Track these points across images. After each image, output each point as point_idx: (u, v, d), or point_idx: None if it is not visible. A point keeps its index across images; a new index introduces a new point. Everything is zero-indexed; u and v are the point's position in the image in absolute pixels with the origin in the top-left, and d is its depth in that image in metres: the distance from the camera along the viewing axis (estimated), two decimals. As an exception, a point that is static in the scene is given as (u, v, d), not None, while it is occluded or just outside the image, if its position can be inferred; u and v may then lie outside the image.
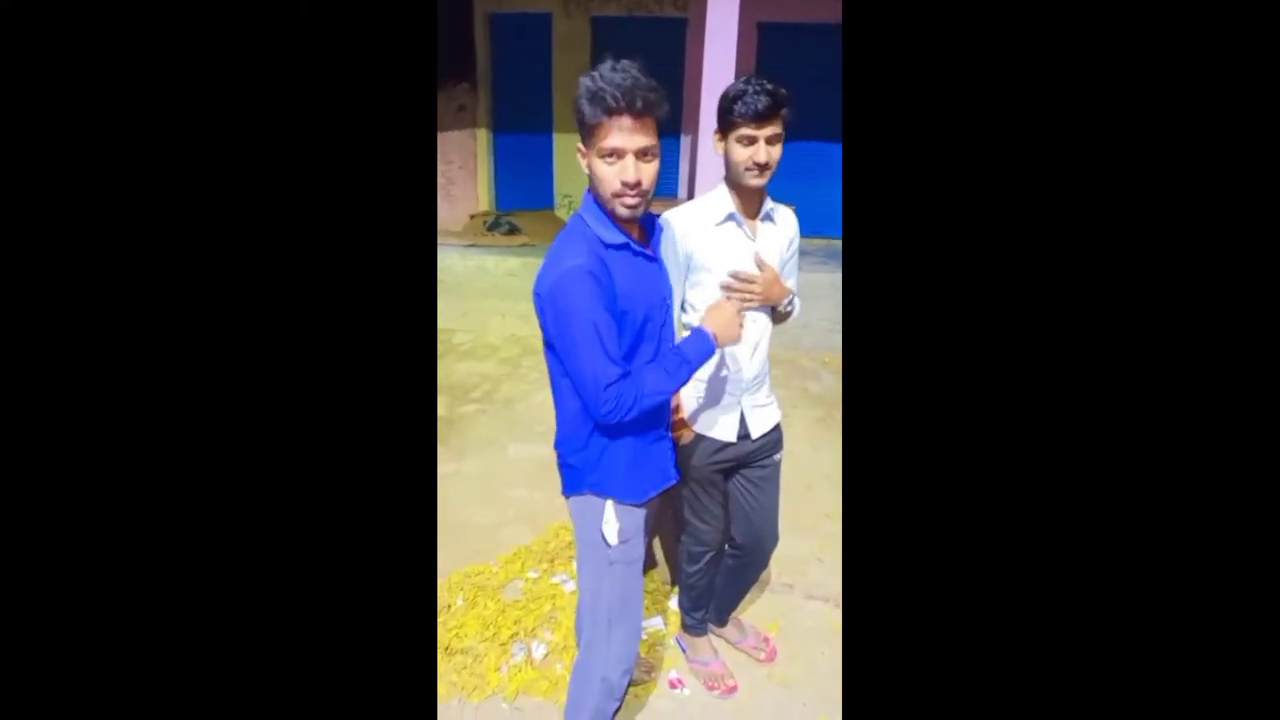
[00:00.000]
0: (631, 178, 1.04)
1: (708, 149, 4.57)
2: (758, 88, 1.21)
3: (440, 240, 5.33)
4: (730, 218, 1.33)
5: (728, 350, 1.37)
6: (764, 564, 1.64)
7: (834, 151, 5.75)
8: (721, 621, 1.75)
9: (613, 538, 1.19)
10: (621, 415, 1.05)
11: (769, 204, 1.38)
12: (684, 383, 1.12)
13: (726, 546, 1.59)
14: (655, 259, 1.22)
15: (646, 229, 1.25)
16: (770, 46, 5.47)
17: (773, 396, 1.49)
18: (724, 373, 1.40)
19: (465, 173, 6.06)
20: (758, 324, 1.39)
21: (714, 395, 1.41)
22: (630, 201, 1.06)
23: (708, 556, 1.56)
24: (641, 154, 1.04)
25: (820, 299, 3.92)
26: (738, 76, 4.39)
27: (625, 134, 1.01)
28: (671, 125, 5.83)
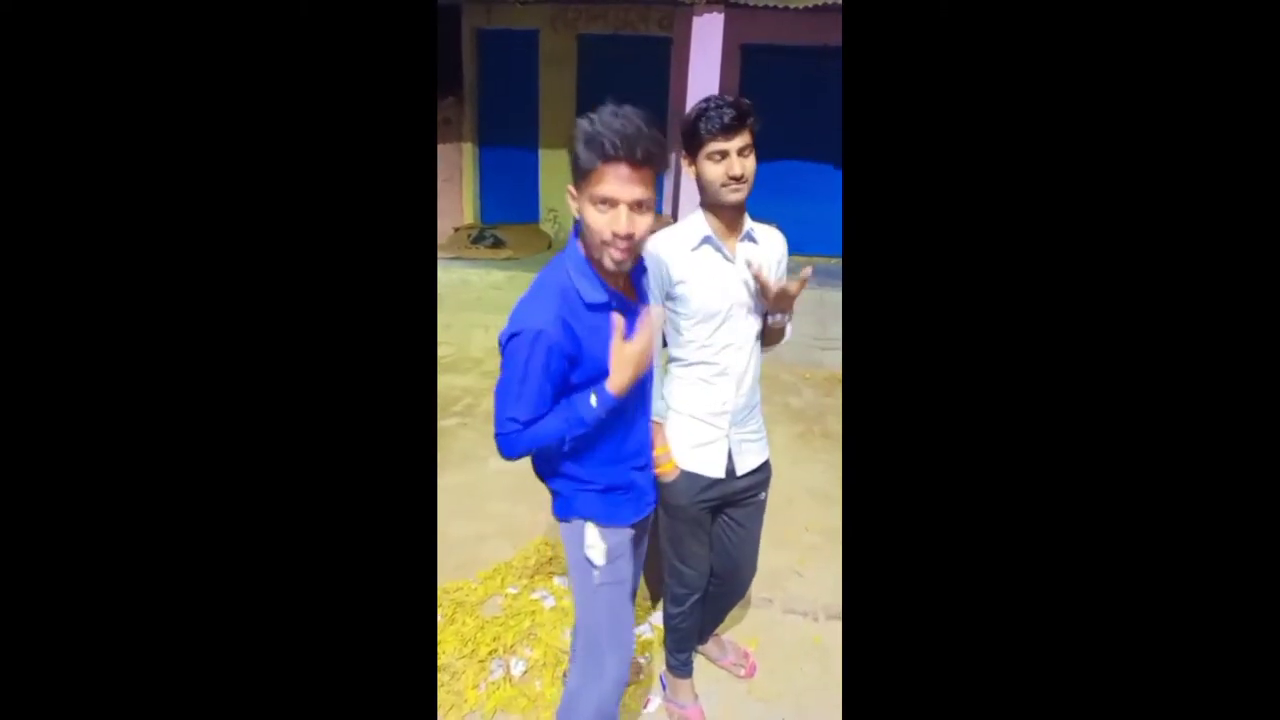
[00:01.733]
0: (624, 229, 0.97)
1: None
2: (720, 102, 1.20)
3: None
4: (706, 241, 1.29)
5: (713, 382, 1.34)
6: (742, 593, 1.63)
7: (815, 170, 5.85)
8: (702, 640, 1.74)
9: (598, 559, 1.18)
10: (512, 456, 1.09)
11: (749, 224, 1.34)
12: (573, 431, 1.08)
13: None
14: (636, 312, 1.13)
15: (634, 279, 1.18)
16: (753, 68, 5.58)
17: (762, 432, 1.45)
18: (709, 405, 1.35)
19: (450, 186, 6.07)
20: (742, 354, 1.34)
21: (700, 429, 1.36)
22: (618, 255, 1.00)
23: (692, 599, 1.50)
24: (636, 205, 0.98)
25: (801, 314, 3.97)
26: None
27: (621, 183, 0.96)
28: (656, 142, 5.90)
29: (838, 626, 1.88)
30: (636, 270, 1.18)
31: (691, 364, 1.35)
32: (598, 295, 1.06)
